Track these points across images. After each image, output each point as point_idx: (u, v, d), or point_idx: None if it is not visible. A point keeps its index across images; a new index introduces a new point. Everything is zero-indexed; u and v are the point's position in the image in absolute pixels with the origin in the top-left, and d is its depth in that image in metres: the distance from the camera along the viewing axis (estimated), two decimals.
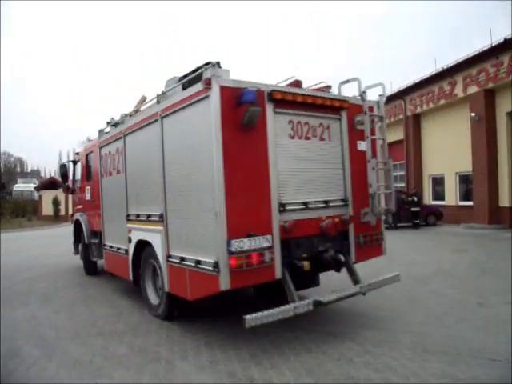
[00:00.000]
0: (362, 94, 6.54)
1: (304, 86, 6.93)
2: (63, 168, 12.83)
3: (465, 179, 22.82)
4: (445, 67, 22.63)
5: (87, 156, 10.86)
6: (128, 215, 7.88)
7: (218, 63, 5.71)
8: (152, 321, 6.75)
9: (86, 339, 5.97)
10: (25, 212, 39.84)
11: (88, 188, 10.81)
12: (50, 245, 19.36)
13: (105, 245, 9.39)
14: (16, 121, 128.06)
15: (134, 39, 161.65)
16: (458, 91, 21.99)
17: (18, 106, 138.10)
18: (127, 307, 7.68)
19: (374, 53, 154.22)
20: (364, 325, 6.20)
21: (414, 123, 26.29)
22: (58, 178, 54.97)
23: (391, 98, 28.27)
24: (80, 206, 11.77)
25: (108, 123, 9.17)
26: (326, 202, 6.26)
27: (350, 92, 6.82)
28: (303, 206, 5.97)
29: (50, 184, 42.41)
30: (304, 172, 6.08)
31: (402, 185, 27.74)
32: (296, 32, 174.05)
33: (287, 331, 6.03)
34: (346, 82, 6.81)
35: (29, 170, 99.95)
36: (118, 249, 8.49)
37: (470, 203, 21.53)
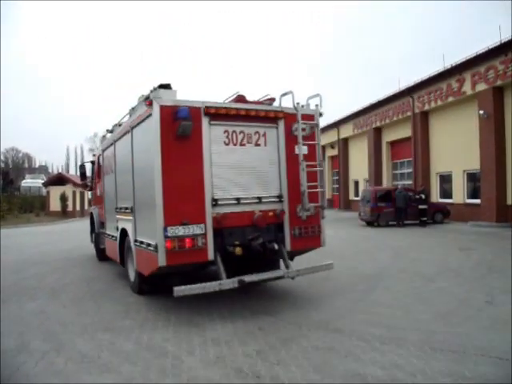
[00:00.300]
0: (296, 105, 7.49)
1: (255, 98, 8.12)
2: (82, 168, 14.89)
3: (473, 177, 22.70)
4: (453, 64, 22.53)
5: (99, 157, 12.12)
6: (116, 208, 9.33)
7: (168, 85, 7.07)
8: (159, 317, 6.79)
9: (94, 334, 6.01)
10: (33, 207, 40.06)
11: (98, 185, 12.27)
12: (58, 240, 19.51)
13: (105, 233, 11.12)
14: (23, 117, 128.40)
15: (134, 39, 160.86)
16: (467, 88, 21.86)
17: (25, 102, 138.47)
18: (134, 303, 7.71)
19: (381, 50, 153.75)
20: (371, 322, 6.19)
21: (422, 120, 26.16)
22: (66, 173, 55.27)
23: (399, 96, 28.23)
24: (94, 201, 13.69)
25: (107, 131, 11.00)
26: (259, 198, 7.30)
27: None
28: (236, 202, 7.09)
29: (58, 180, 42.64)
30: (238, 173, 7.18)
31: (410, 182, 27.66)
32: (299, 31, 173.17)
33: (295, 328, 6.06)
34: (285, 94, 7.69)
35: (37, 166, 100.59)
36: (112, 236, 9.98)
37: (478, 201, 21.43)
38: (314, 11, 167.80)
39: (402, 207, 21.16)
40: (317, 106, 7.82)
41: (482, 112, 20.42)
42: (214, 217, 6.81)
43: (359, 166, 35.48)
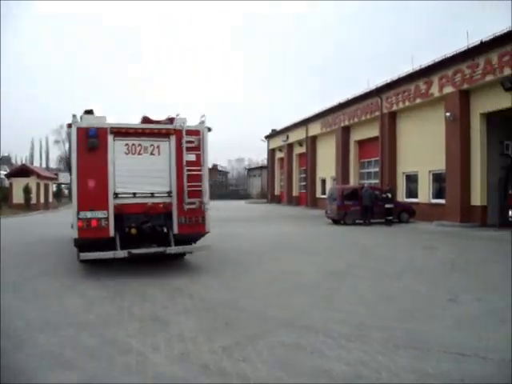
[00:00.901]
0: (182, 124, 9.74)
1: (163, 117, 10.52)
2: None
3: (438, 177, 23.20)
4: (422, 66, 22.94)
5: None
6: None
7: (91, 111, 10.04)
8: (123, 312, 6.68)
9: (57, 330, 5.85)
10: None
11: None
12: (22, 234, 18.99)
13: None
14: None
15: (133, 39, 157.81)
16: (434, 91, 22.33)
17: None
18: (98, 298, 7.57)
19: (350, 49, 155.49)
20: (337, 319, 6.25)
21: (390, 121, 26.57)
22: (30, 165, 53.78)
23: (368, 95, 28.57)
24: None
25: None
26: (152, 193, 9.65)
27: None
28: (132, 195, 9.48)
29: (22, 171, 41.38)
30: (135, 174, 9.45)
31: (377, 181, 28.05)
32: (299, 31, 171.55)
33: (261, 324, 6.06)
34: (178, 115, 10.02)
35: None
36: None
37: (443, 201, 21.92)
38: (301, 12, 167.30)
39: (369, 206, 21.41)
40: (202, 123, 10.09)
41: (448, 114, 20.86)
42: (115, 206, 9.25)
43: (327, 165, 35.79)
